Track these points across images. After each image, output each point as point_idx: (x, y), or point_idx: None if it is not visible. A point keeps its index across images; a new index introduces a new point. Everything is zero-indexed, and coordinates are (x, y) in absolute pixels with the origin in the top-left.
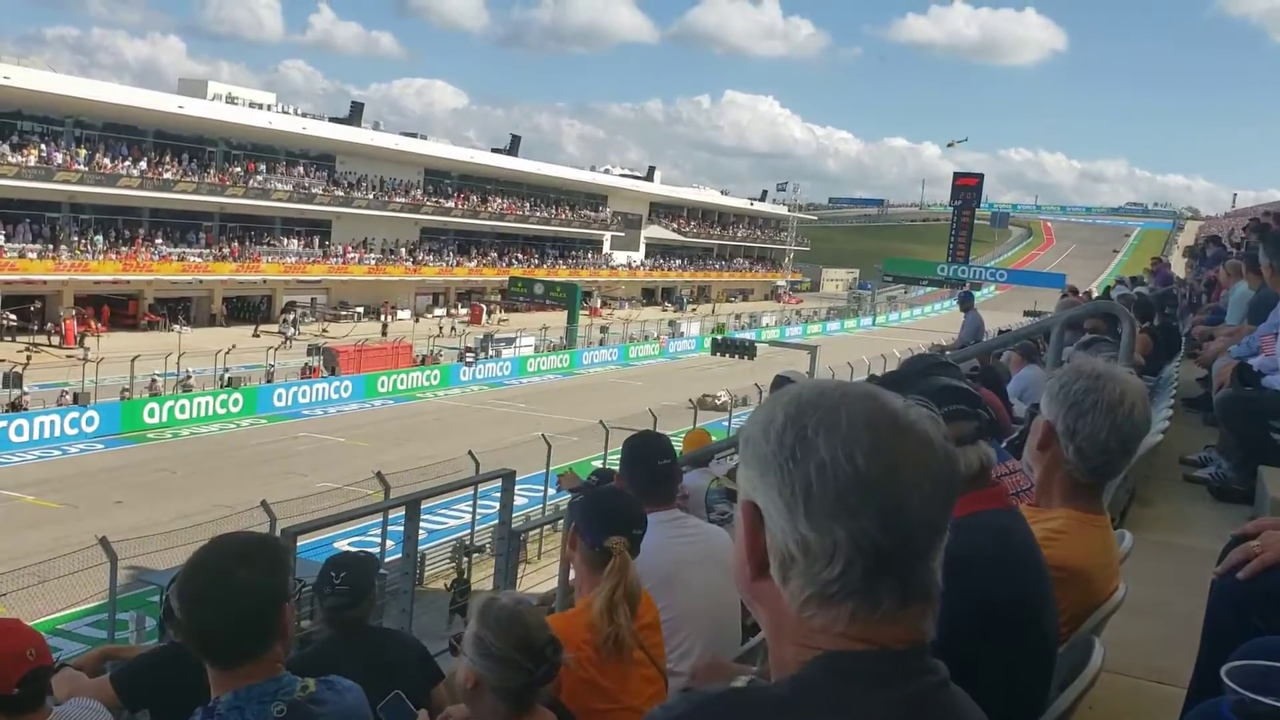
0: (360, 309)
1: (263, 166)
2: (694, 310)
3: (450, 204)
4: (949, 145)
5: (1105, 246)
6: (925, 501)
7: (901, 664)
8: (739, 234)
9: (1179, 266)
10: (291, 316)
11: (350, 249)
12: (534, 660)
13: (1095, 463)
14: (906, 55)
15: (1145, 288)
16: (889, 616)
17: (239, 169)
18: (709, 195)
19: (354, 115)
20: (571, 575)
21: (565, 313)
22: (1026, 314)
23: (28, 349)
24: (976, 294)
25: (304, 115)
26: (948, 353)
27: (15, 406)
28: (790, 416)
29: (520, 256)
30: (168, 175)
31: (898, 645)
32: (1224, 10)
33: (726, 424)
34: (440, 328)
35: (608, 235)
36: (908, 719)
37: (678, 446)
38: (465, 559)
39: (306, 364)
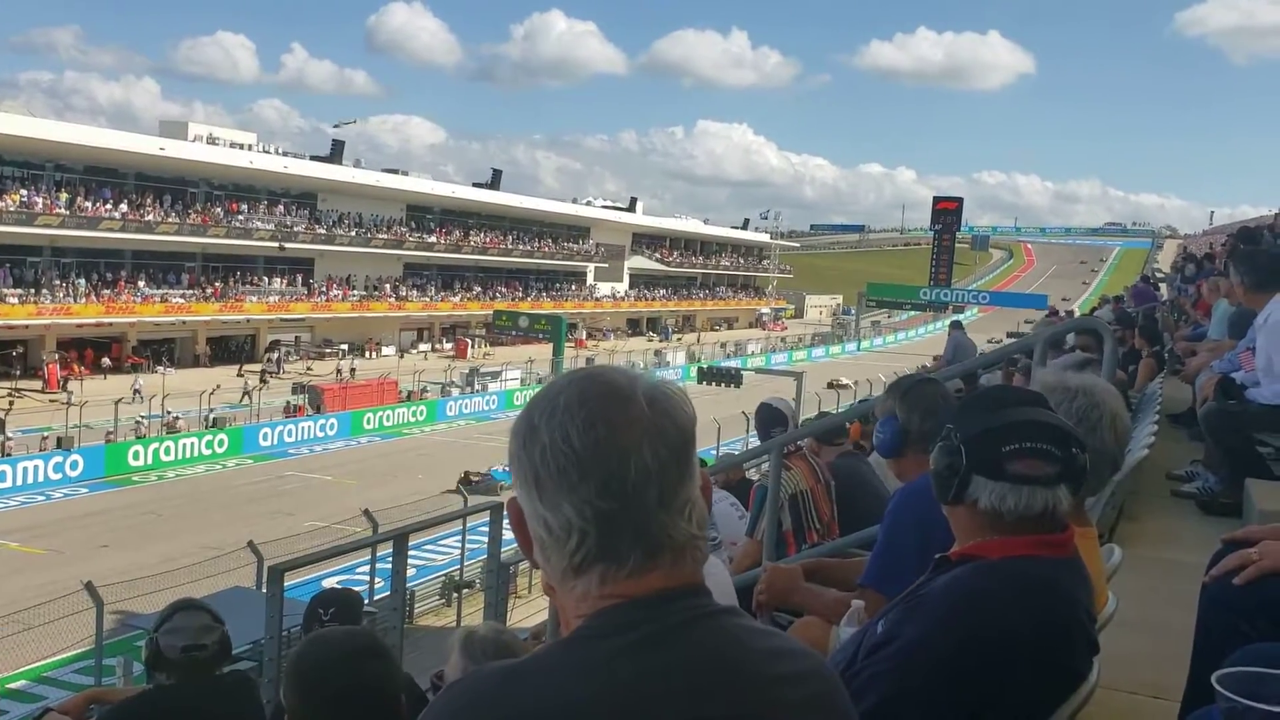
0: (344, 346)
1: (244, 206)
2: (679, 340)
3: (433, 239)
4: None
5: (1087, 267)
6: (647, 462)
7: (652, 608)
8: (722, 262)
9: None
10: (275, 355)
11: (333, 286)
12: None
13: (1105, 474)
14: (875, 82)
15: (1134, 307)
16: (640, 569)
17: (220, 209)
18: (691, 225)
19: (335, 153)
20: None
21: (551, 345)
22: (1010, 335)
23: (10, 394)
24: (960, 316)
25: (284, 154)
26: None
27: None
28: (524, 413)
29: (504, 290)
30: (149, 217)
31: (652, 593)
32: (1180, 32)
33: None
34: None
35: (591, 267)
36: (638, 658)
37: None
38: (455, 594)
39: (290, 402)
